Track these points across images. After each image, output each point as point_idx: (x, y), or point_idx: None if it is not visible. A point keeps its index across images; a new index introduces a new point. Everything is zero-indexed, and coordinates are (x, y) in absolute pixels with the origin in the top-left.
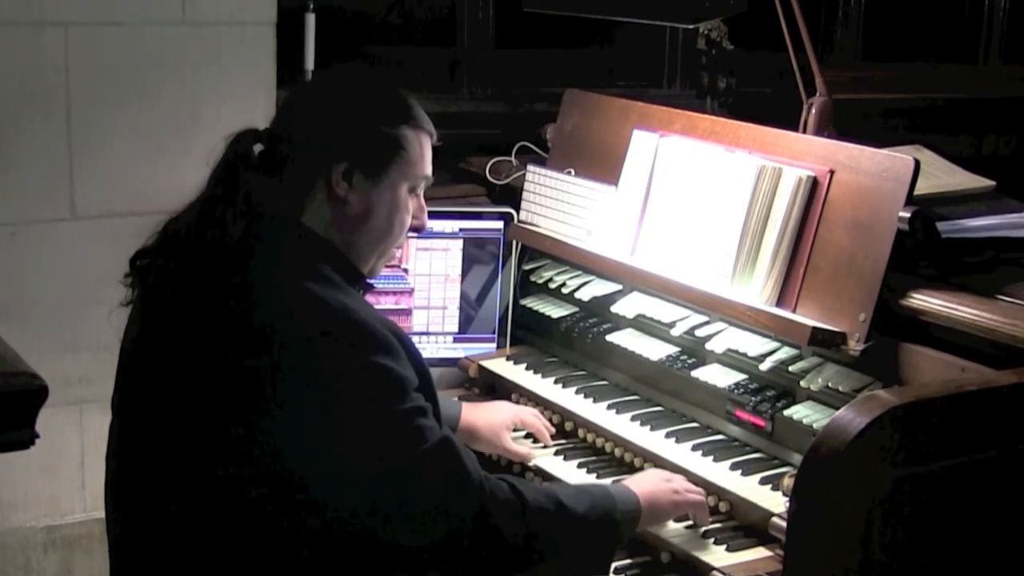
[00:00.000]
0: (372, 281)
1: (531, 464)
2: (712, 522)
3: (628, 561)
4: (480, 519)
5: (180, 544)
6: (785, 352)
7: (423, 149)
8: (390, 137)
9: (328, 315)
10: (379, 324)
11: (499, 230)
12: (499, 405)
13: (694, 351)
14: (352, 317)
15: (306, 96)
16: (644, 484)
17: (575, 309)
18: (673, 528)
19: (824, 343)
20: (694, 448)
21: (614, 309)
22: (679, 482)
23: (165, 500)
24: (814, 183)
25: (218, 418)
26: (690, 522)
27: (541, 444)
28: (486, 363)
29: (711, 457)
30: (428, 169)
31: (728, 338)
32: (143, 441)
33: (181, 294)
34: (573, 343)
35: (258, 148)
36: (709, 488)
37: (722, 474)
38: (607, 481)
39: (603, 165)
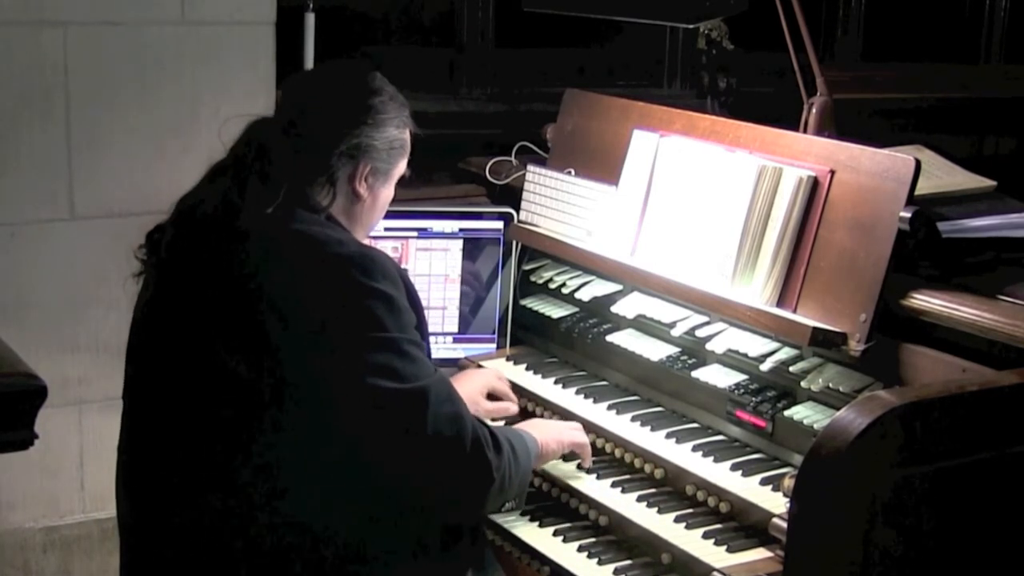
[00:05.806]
0: None
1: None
2: (712, 522)
3: (628, 562)
4: (476, 453)
5: (196, 500)
6: (786, 352)
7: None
8: (402, 140)
9: (341, 244)
10: (389, 260)
11: (499, 230)
12: (471, 374)
13: (694, 351)
14: (364, 249)
15: (326, 92)
16: (538, 430)
17: (575, 309)
18: (673, 528)
19: (825, 343)
20: (694, 449)
21: (614, 309)
22: (565, 428)
23: (180, 465)
24: (815, 183)
25: (231, 358)
26: (683, 517)
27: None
28: (486, 363)
29: (711, 458)
30: None
31: (728, 338)
32: (157, 416)
33: (194, 252)
34: (573, 343)
35: (275, 138)
36: (710, 489)
37: (722, 475)
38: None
39: (603, 165)
